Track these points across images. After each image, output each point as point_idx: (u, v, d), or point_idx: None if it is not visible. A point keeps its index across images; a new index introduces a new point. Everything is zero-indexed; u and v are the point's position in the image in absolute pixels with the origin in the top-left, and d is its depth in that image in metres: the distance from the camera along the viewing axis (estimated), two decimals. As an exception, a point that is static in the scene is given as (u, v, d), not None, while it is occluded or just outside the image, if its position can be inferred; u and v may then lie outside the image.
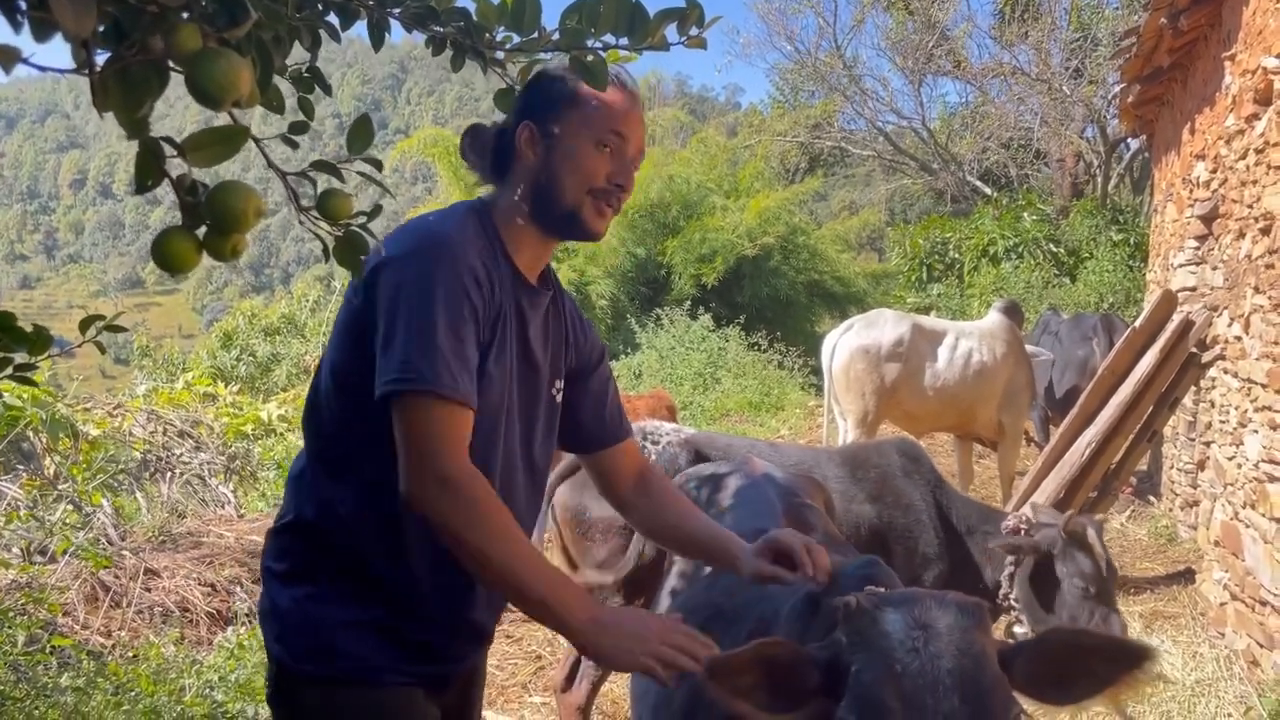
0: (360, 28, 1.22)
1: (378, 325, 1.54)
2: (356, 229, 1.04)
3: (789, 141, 21.39)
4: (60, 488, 5.76)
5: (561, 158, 1.67)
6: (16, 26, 0.68)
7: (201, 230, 0.91)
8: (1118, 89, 8.49)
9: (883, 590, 1.40)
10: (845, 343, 6.47)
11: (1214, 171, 5.53)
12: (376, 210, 1.11)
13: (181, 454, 7.65)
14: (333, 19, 1.19)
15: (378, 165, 1.11)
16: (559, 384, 1.84)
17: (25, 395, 6.20)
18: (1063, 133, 17.16)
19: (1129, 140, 15.76)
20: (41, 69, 0.73)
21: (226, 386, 11.31)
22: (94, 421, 7.15)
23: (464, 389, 1.52)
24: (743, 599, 2.04)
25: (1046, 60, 16.89)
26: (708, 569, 2.29)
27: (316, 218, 1.03)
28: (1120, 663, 1.30)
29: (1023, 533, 3.20)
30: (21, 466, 6.27)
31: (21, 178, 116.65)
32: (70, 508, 5.61)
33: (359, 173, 1.13)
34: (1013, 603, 3.21)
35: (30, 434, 6.48)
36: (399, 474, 1.52)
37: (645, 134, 1.76)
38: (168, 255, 0.88)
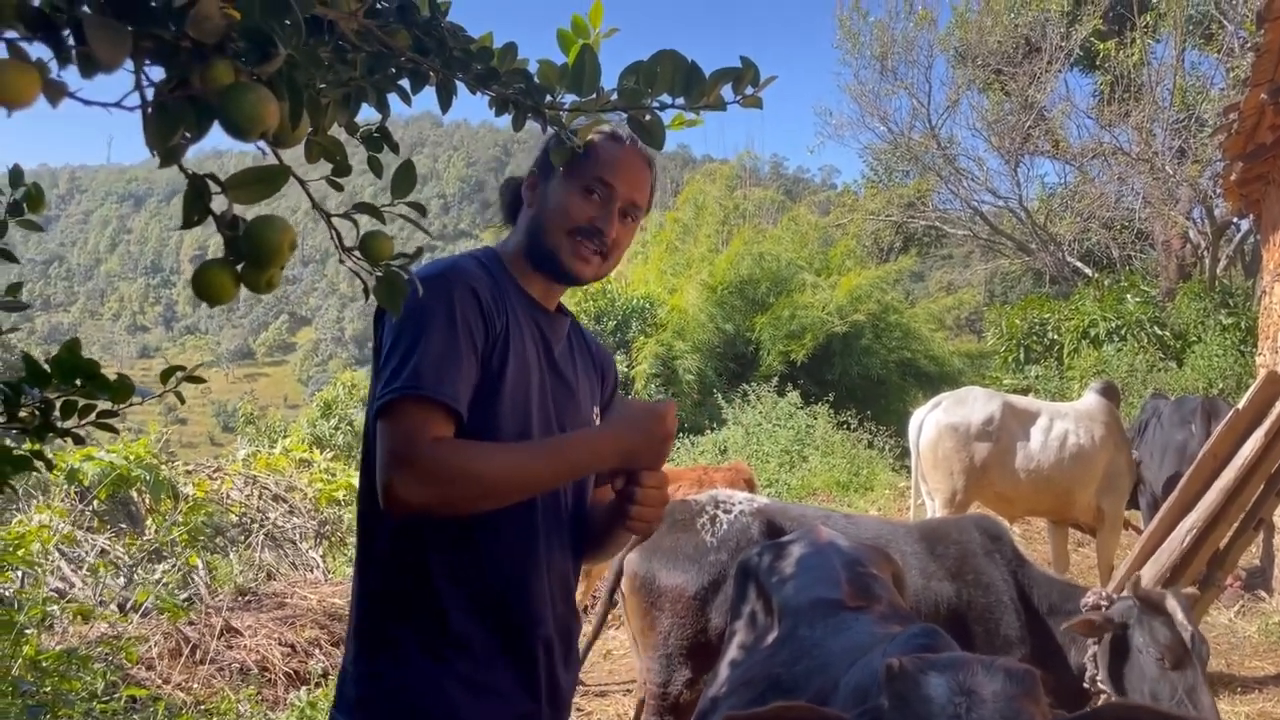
0: (460, 109, 1.27)
1: (383, 352, 1.60)
2: (396, 269, 1.07)
3: (882, 220, 21.30)
4: (159, 546, 5.94)
5: (548, 200, 1.74)
6: (63, 61, 0.73)
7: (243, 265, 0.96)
8: (1221, 167, 8.27)
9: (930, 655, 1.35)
10: (933, 420, 6.31)
11: (1322, 248, 5.31)
12: (418, 253, 1.15)
13: (275, 517, 7.85)
14: (404, 83, 1.24)
15: (420, 210, 1.14)
16: (596, 409, 1.89)
17: (131, 458, 6.48)
18: (1167, 214, 16.70)
19: (1239, 221, 15.26)
20: (86, 103, 0.79)
21: (322, 453, 11.59)
22: (195, 484, 7.39)
23: (446, 391, 1.53)
24: (802, 669, 1.99)
25: (1149, 140, 16.54)
26: (768, 640, 2.23)
27: (359, 258, 1.07)
28: None
29: (1103, 609, 3.04)
30: (124, 525, 6.52)
31: (146, 253, 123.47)
32: (169, 567, 5.79)
33: (406, 218, 1.17)
34: (1100, 685, 3.05)
35: (134, 495, 6.75)
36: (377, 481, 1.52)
37: (648, 188, 1.79)
38: (206, 286, 0.92)
